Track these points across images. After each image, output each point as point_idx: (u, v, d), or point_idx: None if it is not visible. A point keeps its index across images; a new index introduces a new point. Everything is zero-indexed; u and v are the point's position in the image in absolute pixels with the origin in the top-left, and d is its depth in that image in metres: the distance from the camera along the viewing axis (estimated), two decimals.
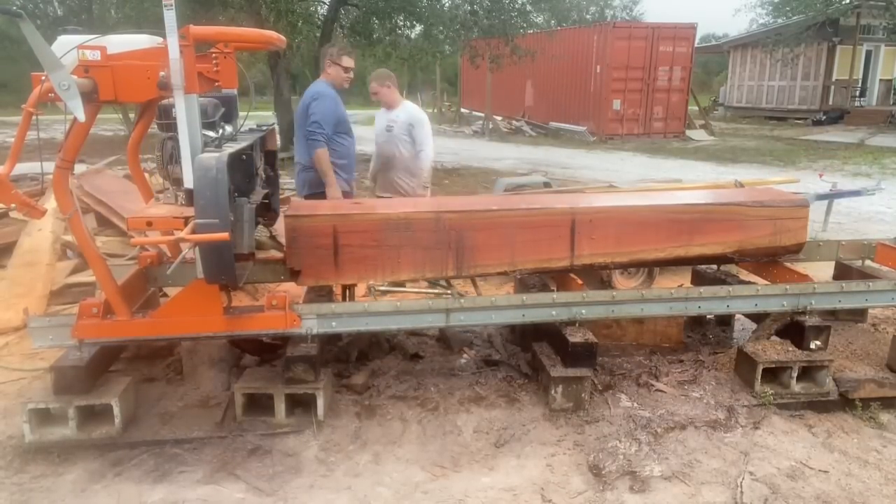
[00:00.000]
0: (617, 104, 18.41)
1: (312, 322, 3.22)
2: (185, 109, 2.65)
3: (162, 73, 2.65)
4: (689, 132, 19.20)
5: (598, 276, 4.88)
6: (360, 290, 4.64)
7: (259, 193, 3.37)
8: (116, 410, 3.03)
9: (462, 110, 25.67)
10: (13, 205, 2.74)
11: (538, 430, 3.21)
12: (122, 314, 3.02)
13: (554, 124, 20.24)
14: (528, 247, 3.50)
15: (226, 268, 2.80)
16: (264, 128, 3.53)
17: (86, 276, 4.85)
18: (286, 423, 3.18)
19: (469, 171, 12.61)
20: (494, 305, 3.38)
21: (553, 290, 3.82)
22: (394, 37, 13.93)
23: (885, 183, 8.23)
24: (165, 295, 4.34)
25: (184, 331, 3.13)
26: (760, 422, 3.29)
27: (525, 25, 15.13)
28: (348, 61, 4.65)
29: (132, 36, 2.84)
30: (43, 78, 2.62)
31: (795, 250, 3.86)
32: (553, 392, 3.32)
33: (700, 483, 2.84)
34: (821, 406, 3.42)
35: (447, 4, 14.25)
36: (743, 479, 2.85)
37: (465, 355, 3.99)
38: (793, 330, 3.66)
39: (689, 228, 3.65)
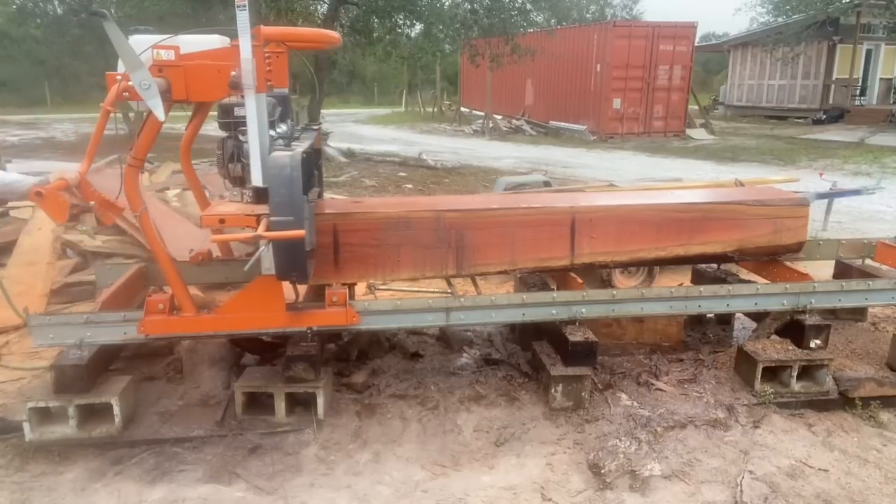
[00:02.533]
0: (617, 103, 18.40)
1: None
2: (255, 109, 2.68)
3: (233, 73, 2.68)
4: (689, 131, 19.20)
5: (598, 275, 4.88)
6: (360, 289, 4.64)
7: (315, 192, 3.41)
8: (116, 409, 3.03)
9: (462, 109, 25.66)
10: (92, 202, 2.73)
11: (538, 428, 3.21)
12: (189, 310, 3.07)
13: (554, 123, 20.24)
14: (528, 246, 3.50)
15: (298, 264, 2.83)
16: (314, 127, 3.55)
17: (85, 276, 4.85)
18: (286, 422, 3.19)
19: (469, 169, 12.61)
20: (494, 304, 3.38)
21: (553, 289, 3.82)
22: (394, 35, 13.93)
23: (885, 182, 8.23)
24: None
25: (248, 326, 3.17)
26: (760, 421, 3.29)
27: (525, 24, 15.13)
28: None
29: (204, 36, 2.89)
30: (118, 77, 2.66)
31: (795, 249, 3.86)
32: (553, 391, 3.32)
33: (700, 482, 2.84)
34: (821, 405, 3.42)
35: (447, 3, 14.26)
36: (743, 477, 2.86)
37: (465, 354, 4.00)
38: (793, 329, 3.66)
39: (689, 227, 3.65)
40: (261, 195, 2.79)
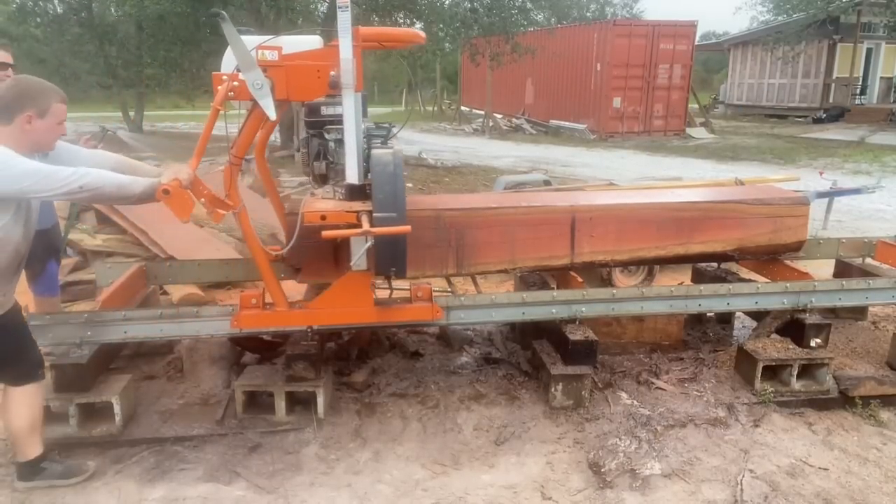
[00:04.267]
0: (617, 102, 18.38)
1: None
2: (352, 108, 2.71)
3: (332, 73, 2.71)
4: (689, 130, 19.18)
5: (598, 273, 4.88)
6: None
7: None
8: (117, 408, 3.04)
9: (462, 108, 25.66)
10: (202, 200, 2.75)
11: (538, 427, 3.21)
12: (281, 305, 3.11)
13: (554, 122, 20.23)
14: (528, 245, 3.50)
15: (399, 259, 2.87)
16: (384, 125, 3.58)
17: (85, 275, 4.85)
18: (286, 421, 3.19)
19: (469, 168, 12.60)
20: (494, 303, 3.38)
21: (553, 288, 3.82)
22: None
23: (885, 181, 8.23)
24: (165, 293, 4.35)
25: (338, 321, 3.22)
26: (760, 419, 3.29)
27: (525, 23, 15.13)
28: (2, 55, 3.51)
29: (304, 37, 2.95)
30: (224, 77, 2.71)
31: (796, 248, 3.86)
32: (553, 390, 3.32)
33: (700, 481, 2.84)
34: (821, 404, 3.43)
35: (447, 2, 14.26)
36: (743, 476, 2.86)
37: (465, 353, 4.00)
38: (793, 328, 3.67)
39: (689, 226, 3.65)
40: (354, 192, 2.84)
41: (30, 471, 2.69)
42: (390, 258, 2.86)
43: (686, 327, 4.19)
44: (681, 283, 4.47)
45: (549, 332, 3.64)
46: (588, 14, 35.85)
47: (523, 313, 3.42)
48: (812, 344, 3.55)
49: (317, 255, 3.36)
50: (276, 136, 14.31)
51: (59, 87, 2.58)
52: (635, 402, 3.41)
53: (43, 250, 3.53)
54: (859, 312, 4.47)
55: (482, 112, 22.71)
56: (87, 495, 2.70)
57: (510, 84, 22.69)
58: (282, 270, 3.82)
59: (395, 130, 3.40)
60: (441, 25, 13.43)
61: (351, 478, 2.85)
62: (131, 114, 18.22)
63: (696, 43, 19.46)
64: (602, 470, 2.86)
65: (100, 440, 3.02)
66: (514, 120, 21.78)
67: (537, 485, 2.80)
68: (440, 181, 11.16)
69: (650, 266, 4.98)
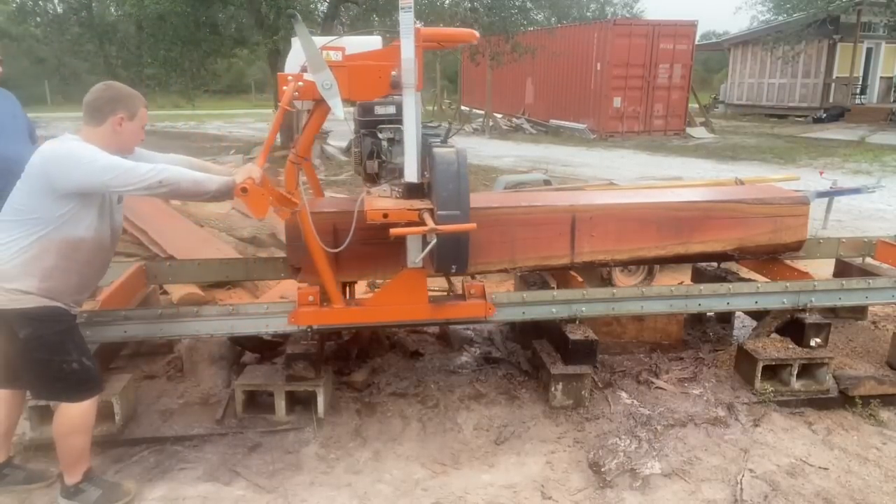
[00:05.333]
0: (617, 102, 18.36)
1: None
2: (413, 107, 2.73)
3: (393, 73, 2.74)
4: (689, 130, 19.16)
5: (598, 273, 4.88)
6: (361, 287, 4.64)
7: None
8: (117, 408, 3.03)
9: (462, 108, 25.65)
10: (270, 198, 2.78)
11: (538, 427, 3.21)
12: (338, 302, 3.13)
13: (554, 122, 20.22)
14: (528, 244, 3.49)
15: (461, 256, 2.88)
16: (432, 124, 3.61)
17: None
18: (286, 421, 3.19)
19: (469, 168, 12.55)
20: (495, 303, 3.38)
21: (553, 288, 3.82)
22: (394, 34, 13.90)
23: (885, 181, 8.23)
24: (165, 293, 4.35)
25: (393, 318, 3.25)
26: (760, 419, 3.29)
27: (525, 23, 15.13)
28: None
29: (366, 37, 2.99)
30: (290, 77, 2.75)
31: (796, 248, 3.86)
32: (553, 389, 3.32)
33: (700, 480, 2.84)
34: (821, 403, 3.43)
35: (447, 1, 14.25)
36: (743, 476, 2.86)
37: (465, 353, 4.00)
38: (793, 327, 3.66)
39: (689, 226, 3.65)
40: (412, 191, 2.87)
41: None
42: (452, 255, 2.87)
43: (686, 327, 4.19)
44: (681, 283, 4.48)
45: (549, 332, 3.64)
46: (588, 14, 35.85)
47: (523, 313, 3.42)
48: (812, 343, 3.55)
49: None
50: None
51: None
52: (635, 402, 3.41)
53: None
54: (859, 312, 4.46)
55: (482, 112, 22.71)
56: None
57: (510, 84, 22.69)
58: (282, 270, 3.83)
59: (454, 130, 3.42)
60: (441, 25, 13.41)
61: (351, 477, 2.85)
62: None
63: (696, 42, 19.44)
64: (602, 469, 2.86)
65: (100, 439, 3.00)
66: (514, 120, 21.77)
67: (537, 484, 2.80)
68: None
69: (650, 266, 4.98)
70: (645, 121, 18.78)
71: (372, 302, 3.21)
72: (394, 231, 2.72)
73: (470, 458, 2.99)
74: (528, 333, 3.82)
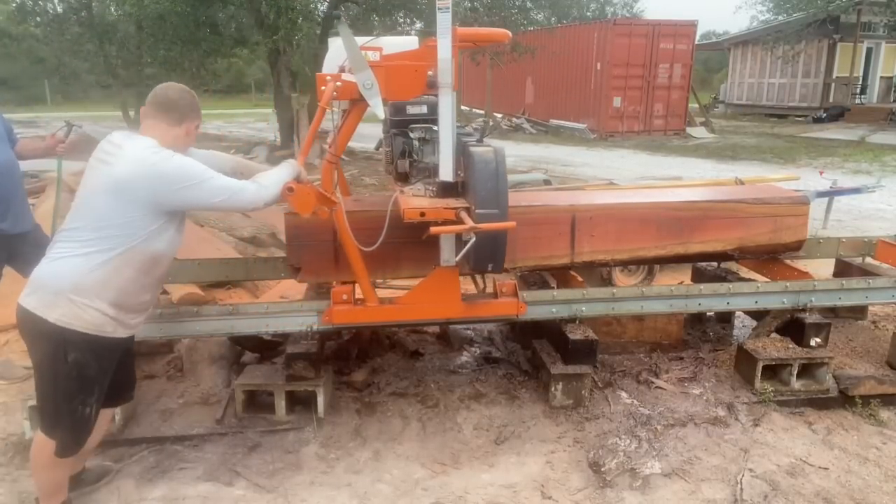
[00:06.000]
0: (617, 101, 18.37)
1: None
2: (449, 107, 2.75)
3: (430, 73, 2.76)
4: (689, 129, 19.17)
5: (598, 273, 4.88)
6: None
7: None
8: (117, 407, 3.03)
9: (462, 108, 25.64)
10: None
11: (538, 426, 3.21)
12: (372, 301, 3.14)
13: (554, 122, 20.22)
14: (528, 244, 3.49)
15: (498, 255, 2.88)
16: (460, 124, 3.62)
17: None
18: (286, 420, 3.19)
19: None
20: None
21: (553, 288, 3.82)
22: (394, 33, 13.90)
23: (885, 180, 8.24)
24: (165, 292, 4.35)
25: (427, 316, 3.27)
26: (760, 419, 3.29)
27: (525, 22, 15.11)
28: None
29: (403, 38, 3.01)
30: (328, 78, 2.78)
31: (796, 247, 3.86)
32: (553, 389, 3.32)
33: (700, 480, 2.84)
34: (821, 403, 3.43)
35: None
36: (743, 475, 2.86)
37: (465, 352, 4.00)
38: (793, 327, 3.66)
39: (689, 226, 3.65)
40: (447, 189, 2.88)
41: None
42: (490, 254, 2.87)
43: (686, 327, 4.19)
44: (681, 283, 4.47)
45: (549, 332, 3.64)
46: (588, 13, 35.78)
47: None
48: (812, 343, 3.55)
49: (317, 254, 3.35)
50: (276, 136, 14.33)
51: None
52: (635, 402, 3.41)
53: (33, 252, 3.53)
54: (859, 312, 4.46)
55: (482, 111, 22.70)
56: (87, 495, 2.70)
57: (510, 83, 22.68)
58: (282, 270, 3.83)
59: (489, 129, 3.42)
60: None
61: (351, 477, 2.85)
62: (131, 113, 18.19)
63: (696, 42, 19.45)
64: (602, 469, 2.86)
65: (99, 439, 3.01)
66: (514, 119, 21.77)
67: (537, 484, 2.80)
68: None
69: (650, 265, 4.98)
70: (645, 120, 18.78)
71: (405, 300, 3.21)
72: (434, 229, 2.74)
73: (470, 457, 2.99)
74: (528, 333, 3.82)
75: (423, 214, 2.77)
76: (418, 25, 13.77)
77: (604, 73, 18.38)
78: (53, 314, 2.24)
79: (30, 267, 3.58)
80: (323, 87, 2.77)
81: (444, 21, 2.65)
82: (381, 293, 3.45)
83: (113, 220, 2.26)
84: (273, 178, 2.56)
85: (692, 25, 18.65)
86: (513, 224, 2.74)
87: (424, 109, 3.15)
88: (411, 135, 3.15)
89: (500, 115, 22.33)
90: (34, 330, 2.30)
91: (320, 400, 3.19)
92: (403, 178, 3.20)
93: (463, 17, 13.45)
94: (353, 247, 2.99)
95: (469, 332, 4.27)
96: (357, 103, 2.86)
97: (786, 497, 2.74)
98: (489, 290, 3.44)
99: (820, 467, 2.94)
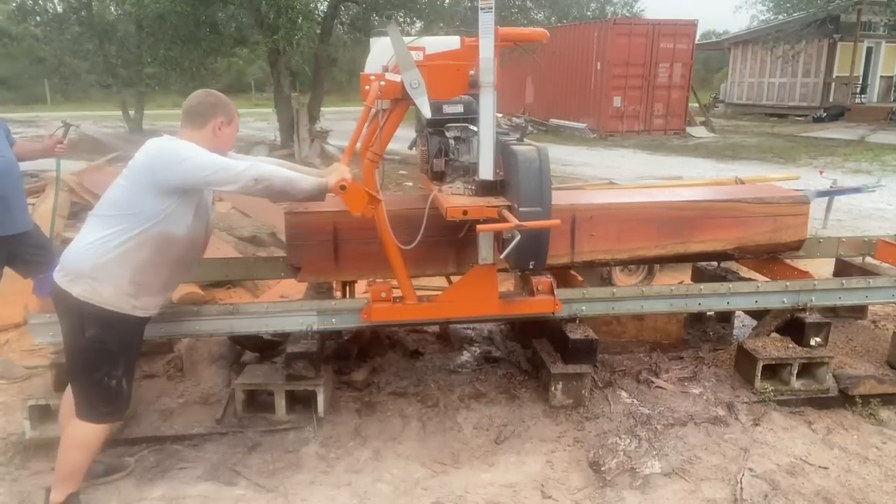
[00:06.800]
0: (617, 101, 18.37)
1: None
2: (490, 106, 2.77)
3: (471, 72, 2.78)
4: (689, 129, 19.17)
5: (598, 272, 4.88)
6: (361, 286, 4.63)
7: None
8: None
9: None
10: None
11: (538, 426, 3.21)
12: (411, 299, 3.15)
13: (554, 121, 20.22)
14: None
15: (541, 253, 2.89)
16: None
17: None
18: (286, 420, 3.19)
19: None
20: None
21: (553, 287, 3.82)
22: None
23: (885, 180, 8.24)
24: None
25: (465, 313, 3.31)
26: (760, 418, 3.29)
27: (525, 22, 15.10)
28: None
29: (445, 38, 3.02)
30: (372, 77, 2.80)
31: (796, 247, 3.86)
32: (553, 389, 3.32)
33: (700, 479, 2.84)
34: (821, 402, 3.43)
35: (447, 1, 14.24)
36: (743, 475, 2.86)
37: (465, 352, 4.00)
38: (793, 327, 3.66)
39: (689, 225, 3.65)
40: (486, 188, 2.89)
41: None
42: (533, 252, 2.87)
43: (686, 326, 4.19)
44: (681, 282, 4.48)
45: (549, 331, 3.64)
46: (588, 13, 35.75)
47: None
48: (812, 343, 3.55)
49: (317, 254, 3.35)
50: (276, 136, 14.33)
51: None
52: (635, 401, 3.41)
53: (32, 253, 3.54)
54: (859, 311, 4.46)
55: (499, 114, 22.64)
56: (87, 494, 2.70)
57: (510, 83, 22.66)
58: (282, 269, 3.83)
59: (530, 129, 3.43)
60: (441, 24, 13.41)
61: (351, 476, 2.85)
62: (131, 113, 18.20)
63: (696, 42, 19.45)
64: (602, 468, 2.86)
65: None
66: (514, 119, 21.75)
67: (537, 483, 2.80)
68: None
69: (650, 265, 4.98)
70: (645, 120, 18.78)
71: (444, 298, 3.23)
72: (480, 227, 2.76)
73: (470, 457, 2.99)
74: (528, 333, 3.82)
75: (465, 213, 2.78)
76: (418, 25, 13.77)
77: (604, 72, 18.38)
78: (76, 289, 2.41)
79: (30, 267, 3.60)
80: (367, 87, 2.81)
81: (486, 21, 2.66)
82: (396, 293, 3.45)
83: (126, 204, 2.44)
84: (284, 171, 2.63)
85: (692, 25, 18.65)
86: (557, 222, 2.75)
87: (460, 108, 3.16)
88: (447, 134, 3.17)
89: (500, 115, 22.29)
90: (61, 304, 2.49)
91: (320, 399, 3.19)
92: (439, 177, 3.22)
93: (463, 17, 13.45)
94: (393, 245, 3.01)
95: (469, 331, 4.27)
96: (399, 103, 2.89)
97: (786, 496, 2.74)
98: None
99: (820, 467, 2.94)
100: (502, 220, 2.72)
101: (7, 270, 3.55)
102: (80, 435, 2.54)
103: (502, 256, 2.92)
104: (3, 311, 4.30)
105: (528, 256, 2.89)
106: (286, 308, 3.24)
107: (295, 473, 2.86)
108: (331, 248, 3.34)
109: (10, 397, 3.46)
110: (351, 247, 3.36)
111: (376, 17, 13.42)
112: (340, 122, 22.11)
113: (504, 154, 2.92)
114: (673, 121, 19.07)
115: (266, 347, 3.74)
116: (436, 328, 4.17)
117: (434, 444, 3.08)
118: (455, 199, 2.94)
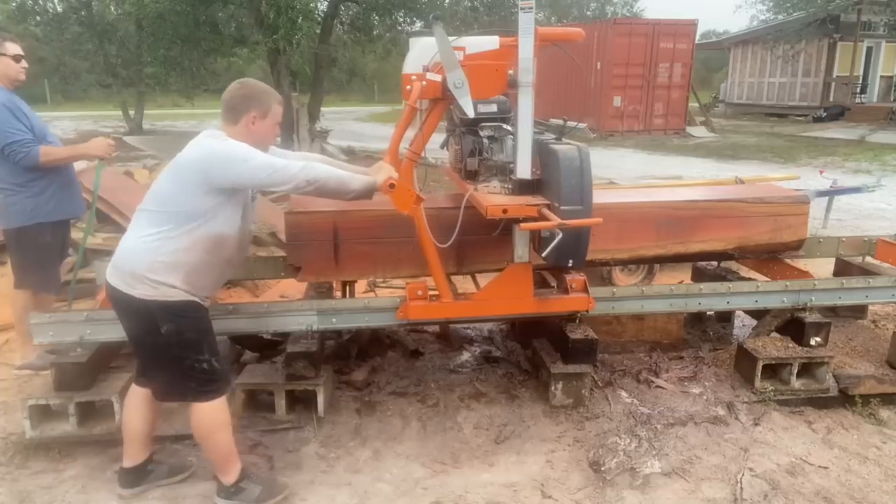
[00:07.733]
0: (617, 101, 18.36)
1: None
2: (528, 106, 2.79)
3: (510, 72, 2.79)
4: (689, 129, 19.16)
5: (598, 272, 4.88)
6: (361, 286, 4.64)
7: None
8: (117, 407, 3.03)
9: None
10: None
11: (538, 426, 3.21)
12: (447, 296, 3.16)
13: (554, 121, 20.21)
14: None
15: (580, 251, 2.90)
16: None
17: (85, 273, 4.84)
18: (286, 420, 3.19)
19: None
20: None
21: (553, 287, 3.82)
22: (394, 33, 13.92)
23: (885, 180, 8.23)
24: None
25: (500, 311, 3.31)
26: (760, 418, 3.29)
27: None
28: (13, 48, 3.46)
29: (485, 38, 3.04)
30: (413, 77, 2.82)
31: (796, 247, 3.86)
32: (553, 388, 3.32)
33: (700, 479, 2.84)
34: (821, 402, 3.43)
35: (447, 1, 14.24)
36: (743, 475, 2.86)
37: (465, 352, 4.00)
38: (793, 326, 3.66)
39: (689, 225, 3.65)
40: (524, 187, 2.91)
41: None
42: (573, 250, 2.88)
43: (686, 326, 4.19)
44: (681, 282, 4.47)
45: (549, 331, 3.64)
46: (588, 13, 35.76)
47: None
48: (812, 342, 3.55)
49: (317, 254, 3.35)
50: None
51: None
52: (635, 401, 3.41)
53: (63, 244, 3.68)
54: (859, 311, 4.47)
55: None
56: (87, 494, 2.70)
57: None
58: (282, 269, 3.83)
59: (569, 128, 3.42)
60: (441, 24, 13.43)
61: (351, 476, 2.85)
62: (131, 113, 18.20)
63: (696, 42, 19.44)
64: (602, 468, 2.87)
65: (100, 439, 3.01)
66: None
67: (537, 483, 2.80)
68: (440, 180, 11.11)
69: (650, 264, 4.98)
70: (645, 120, 18.77)
71: (480, 296, 3.24)
72: (523, 226, 2.76)
73: (470, 456, 2.99)
74: (528, 332, 3.82)
75: (505, 211, 2.78)
76: (418, 24, 13.77)
77: (604, 72, 18.37)
78: (137, 291, 2.42)
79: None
80: (408, 87, 2.83)
81: (526, 21, 2.69)
82: (382, 292, 3.45)
83: (174, 202, 2.42)
84: (336, 172, 2.61)
85: (692, 25, 18.64)
86: (598, 220, 2.75)
87: (494, 108, 3.18)
88: (481, 133, 3.17)
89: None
90: (125, 305, 2.50)
91: (320, 399, 3.19)
92: (472, 176, 3.23)
93: (463, 16, 13.47)
94: (431, 243, 3.01)
95: (469, 331, 4.27)
96: (438, 102, 2.90)
97: (786, 496, 2.74)
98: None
99: (820, 466, 2.94)
100: (542, 218, 2.72)
101: (7, 269, 3.56)
102: (206, 418, 2.55)
103: (542, 255, 2.92)
104: (2, 311, 4.29)
105: (568, 255, 2.90)
106: (288, 307, 3.24)
107: (295, 473, 2.86)
108: (331, 247, 3.34)
109: (10, 397, 3.46)
110: (351, 247, 3.36)
111: (376, 17, 13.44)
112: (340, 122, 22.11)
113: (542, 153, 2.93)
114: (673, 120, 19.06)
115: (266, 347, 3.74)
116: (435, 328, 4.17)
117: (434, 443, 3.08)
118: (494, 197, 2.95)
